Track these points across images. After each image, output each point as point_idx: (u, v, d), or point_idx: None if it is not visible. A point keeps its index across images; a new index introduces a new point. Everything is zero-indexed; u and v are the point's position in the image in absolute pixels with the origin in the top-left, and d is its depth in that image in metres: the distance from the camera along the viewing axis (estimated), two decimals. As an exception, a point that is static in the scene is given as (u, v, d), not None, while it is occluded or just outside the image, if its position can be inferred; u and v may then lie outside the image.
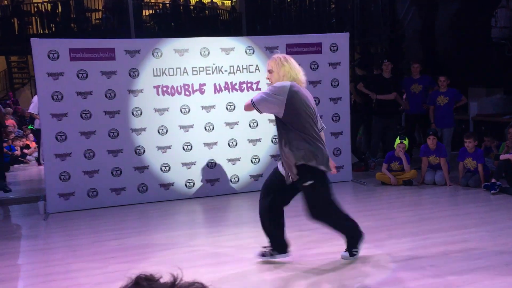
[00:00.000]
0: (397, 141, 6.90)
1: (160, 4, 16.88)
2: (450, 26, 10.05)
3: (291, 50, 6.81)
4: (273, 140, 6.83)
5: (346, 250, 4.02)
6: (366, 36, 12.41)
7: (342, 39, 7.07)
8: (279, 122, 3.77)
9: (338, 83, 7.04)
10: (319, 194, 3.79)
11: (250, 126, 6.74)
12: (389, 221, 5.09)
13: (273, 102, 3.66)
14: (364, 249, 4.21)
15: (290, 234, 4.16)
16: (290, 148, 3.68)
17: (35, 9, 15.79)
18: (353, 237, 3.99)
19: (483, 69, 9.39)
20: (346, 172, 7.19)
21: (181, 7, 16.85)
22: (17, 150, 10.33)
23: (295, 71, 3.78)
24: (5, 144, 9.54)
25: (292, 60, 3.84)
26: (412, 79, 8.01)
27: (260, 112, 3.80)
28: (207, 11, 17.75)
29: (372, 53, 12.43)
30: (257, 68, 6.68)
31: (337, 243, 4.45)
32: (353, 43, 10.93)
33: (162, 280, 0.90)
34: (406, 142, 6.87)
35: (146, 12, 16.48)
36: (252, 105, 3.74)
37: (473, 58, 9.47)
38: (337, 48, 6.99)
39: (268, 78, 3.89)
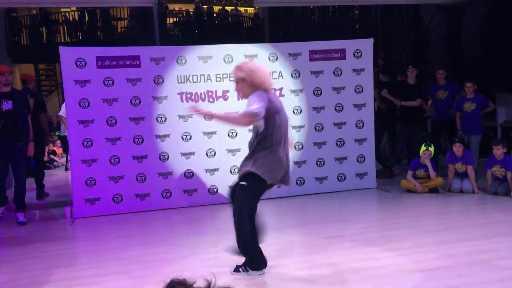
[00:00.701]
0: (423, 148, 6.80)
1: (184, 12, 17.08)
2: (477, 31, 9.88)
3: (315, 56, 6.80)
4: (296, 146, 6.82)
5: (239, 266, 3.86)
6: (390, 41, 12.30)
7: (366, 45, 7.02)
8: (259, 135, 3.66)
9: (362, 89, 6.99)
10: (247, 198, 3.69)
11: (273, 132, 6.73)
12: (414, 229, 5.01)
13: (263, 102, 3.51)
14: (389, 258, 4.17)
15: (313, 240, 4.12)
16: (254, 162, 3.63)
17: (63, 18, 16.16)
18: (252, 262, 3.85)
19: (511, 74, 9.19)
20: (371, 179, 7.12)
21: (205, 15, 17.01)
22: (44, 156, 10.53)
23: (267, 78, 3.67)
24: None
25: (262, 66, 3.74)
26: (438, 85, 7.90)
27: (262, 116, 3.51)
28: (230, 18, 17.88)
29: (396, 59, 12.31)
30: (280, 74, 6.69)
31: (364, 251, 4.41)
32: (377, 49, 10.85)
33: (196, 285, 0.90)
34: (431, 149, 6.76)
35: (170, 20, 16.70)
36: (252, 115, 3.45)
37: (500, 63, 9.28)
38: (361, 54, 6.94)
39: (238, 90, 3.73)
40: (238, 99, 6.57)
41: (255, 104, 3.48)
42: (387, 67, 10.45)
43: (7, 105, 5.73)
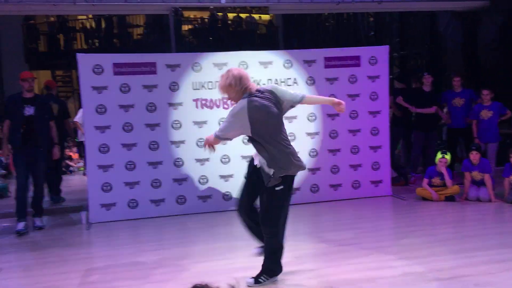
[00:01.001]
0: (439, 155, 6.74)
1: (199, 19, 17.21)
2: (494, 37, 9.80)
3: (329, 63, 6.80)
4: (310, 153, 6.81)
5: (258, 276, 3.82)
6: (405, 48, 12.25)
7: (382, 52, 7.01)
8: (252, 140, 3.73)
9: (377, 96, 6.97)
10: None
11: (287, 139, 6.73)
12: (430, 238, 4.96)
13: (237, 124, 3.65)
14: (405, 266, 4.13)
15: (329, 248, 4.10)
16: (268, 163, 3.67)
17: (80, 25, 16.40)
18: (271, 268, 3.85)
19: (528, 81, 9.09)
20: (385, 186, 7.08)
21: (219, 22, 17.12)
22: (63, 161, 10.66)
23: (247, 82, 3.71)
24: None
25: (240, 71, 3.77)
26: (454, 92, 7.84)
27: (230, 139, 3.87)
28: (244, 25, 17.97)
29: (411, 66, 12.25)
30: (295, 81, 6.70)
31: (380, 259, 4.38)
32: (392, 56, 10.81)
33: None
34: (448, 156, 6.70)
35: (185, 27, 16.84)
36: (218, 138, 3.74)
37: (518, 71, 9.19)
38: (376, 61, 6.93)
39: (230, 99, 3.83)
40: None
41: (224, 126, 3.71)
42: (403, 74, 10.40)
43: (29, 110, 5.82)
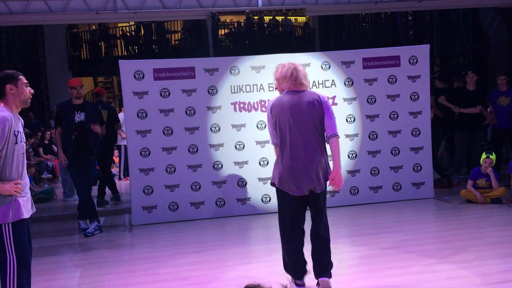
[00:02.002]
0: (483, 156, 6.52)
1: (235, 23, 17.36)
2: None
3: (368, 64, 6.71)
4: (350, 155, 6.73)
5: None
6: (446, 47, 11.93)
7: (422, 51, 6.86)
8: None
9: (418, 97, 6.82)
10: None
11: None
12: (477, 241, 4.80)
13: (270, 125, 3.78)
14: (451, 270, 4.03)
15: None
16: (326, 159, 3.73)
17: (120, 32, 16.84)
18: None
19: None
20: (428, 189, 6.90)
21: (256, 25, 17.21)
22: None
23: (280, 78, 3.75)
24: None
25: (283, 67, 3.79)
26: (499, 91, 7.57)
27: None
28: (280, 28, 17.98)
29: (453, 65, 11.93)
30: (333, 83, 6.65)
31: (423, 263, 4.29)
32: (433, 55, 10.56)
33: None
34: (493, 157, 6.47)
35: (222, 32, 17.02)
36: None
37: None
38: (417, 60, 6.78)
39: (276, 88, 3.93)
40: (291, 108, 6.58)
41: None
42: (444, 73, 10.14)
43: (80, 116, 6.01)
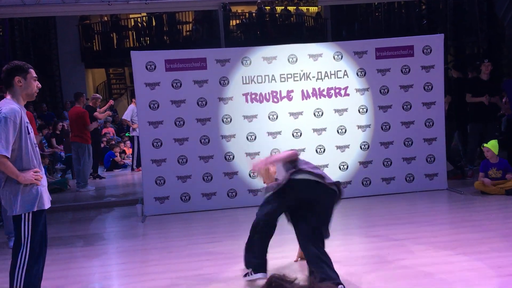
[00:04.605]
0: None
1: (247, 14, 17.26)
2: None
3: (381, 54, 6.64)
4: (362, 146, 6.69)
5: None
6: (461, 37, 11.76)
7: (436, 40, 6.76)
8: None
9: (432, 87, 6.74)
10: None
11: (338, 132, 6.65)
12: (491, 233, 4.76)
13: None
14: (464, 262, 4.00)
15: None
16: None
17: (132, 24, 16.86)
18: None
19: None
20: (441, 180, 6.85)
21: (267, 16, 17.10)
22: (116, 156, 11.04)
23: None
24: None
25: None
26: (514, 81, 7.45)
27: None
28: (292, 18, 17.85)
29: (468, 55, 11.75)
30: (345, 73, 6.59)
31: (437, 254, 4.26)
32: (446, 44, 10.41)
33: (297, 282, 0.90)
34: (488, 145, 6.36)
35: (233, 22, 16.94)
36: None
37: None
38: (431, 50, 6.69)
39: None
40: (302, 99, 6.55)
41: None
42: (459, 63, 10.00)
43: None
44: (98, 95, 10.02)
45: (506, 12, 10.42)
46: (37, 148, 3.36)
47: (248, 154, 6.52)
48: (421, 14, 13.41)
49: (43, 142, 10.17)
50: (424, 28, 12.65)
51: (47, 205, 3.27)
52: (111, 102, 10.41)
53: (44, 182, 3.29)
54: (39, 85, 3.36)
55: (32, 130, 3.31)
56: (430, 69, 6.71)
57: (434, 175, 6.84)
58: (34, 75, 3.32)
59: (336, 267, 3.88)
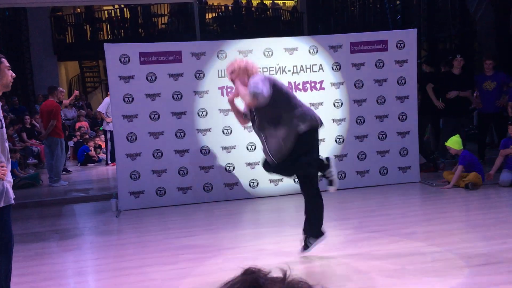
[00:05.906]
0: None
1: (223, 7, 17.18)
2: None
3: (356, 48, 6.69)
4: (337, 140, 6.75)
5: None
6: (434, 32, 11.94)
7: (410, 35, 6.85)
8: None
9: (405, 81, 6.84)
10: None
11: (314, 126, 6.67)
12: (461, 224, 4.88)
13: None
14: (435, 253, 4.08)
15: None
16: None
17: (106, 16, 16.58)
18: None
19: None
20: (414, 173, 6.97)
21: (243, 9, 17.05)
22: (91, 150, 10.87)
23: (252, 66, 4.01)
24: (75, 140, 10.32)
25: (242, 61, 4.03)
26: (485, 76, 7.62)
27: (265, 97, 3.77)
28: (268, 12, 17.84)
29: (440, 50, 11.95)
30: (320, 67, 6.63)
31: (409, 246, 4.33)
32: (420, 39, 10.56)
33: (271, 275, 0.90)
34: (448, 143, 6.55)
35: (209, 15, 16.84)
36: (257, 95, 3.75)
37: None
38: (404, 45, 6.78)
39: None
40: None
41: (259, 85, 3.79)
42: (431, 57, 10.15)
43: None
44: (61, 88, 9.82)
45: (477, 8, 10.63)
46: (7, 142, 3.27)
47: (224, 148, 6.50)
48: (395, 9, 13.57)
49: (14, 136, 9.94)
50: (398, 23, 12.80)
51: (13, 200, 3.19)
52: (76, 92, 10.28)
53: (9, 177, 3.21)
54: (13, 75, 3.28)
55: (4, 124, 3.23)
56: (403, 64, 6.81)
57: (407, 168, 6.96)
58: (7, 64, 3.23)
59: (310, 260, 3.93)
